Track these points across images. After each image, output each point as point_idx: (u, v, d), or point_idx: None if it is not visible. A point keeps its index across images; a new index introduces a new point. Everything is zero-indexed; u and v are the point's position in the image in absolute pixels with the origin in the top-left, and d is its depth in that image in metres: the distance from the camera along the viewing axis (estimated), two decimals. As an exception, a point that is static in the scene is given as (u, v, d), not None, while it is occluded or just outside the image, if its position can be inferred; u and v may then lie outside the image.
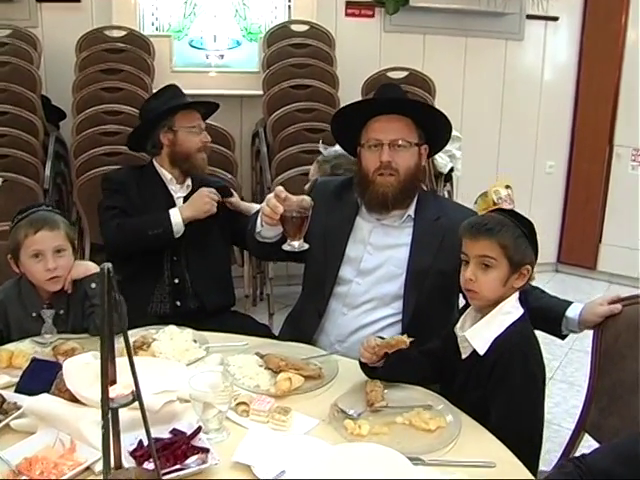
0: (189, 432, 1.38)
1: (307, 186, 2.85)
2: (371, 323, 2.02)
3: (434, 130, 2.07)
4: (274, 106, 4.15)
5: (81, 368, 1.46)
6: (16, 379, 1.63)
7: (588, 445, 1.86)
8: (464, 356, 1.68)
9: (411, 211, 2.07)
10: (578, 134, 5.26)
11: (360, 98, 4.13)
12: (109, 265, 1.00)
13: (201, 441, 1.36)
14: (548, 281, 5.19)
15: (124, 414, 1.15)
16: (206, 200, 2.50)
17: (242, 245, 2.77)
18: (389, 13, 4.69)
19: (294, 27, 4.50)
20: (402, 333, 1.94)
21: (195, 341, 1.90)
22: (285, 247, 1.84)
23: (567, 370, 3.68)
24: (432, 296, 1.98)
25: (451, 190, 4.44)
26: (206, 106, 2.79)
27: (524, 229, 1.65)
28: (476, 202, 2.26)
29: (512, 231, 1.63)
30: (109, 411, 1.04)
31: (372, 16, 4.74)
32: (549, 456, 2.33)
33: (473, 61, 4.97)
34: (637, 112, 4.80)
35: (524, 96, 5.12)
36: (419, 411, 1.55)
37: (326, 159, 2.77)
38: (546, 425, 1.77)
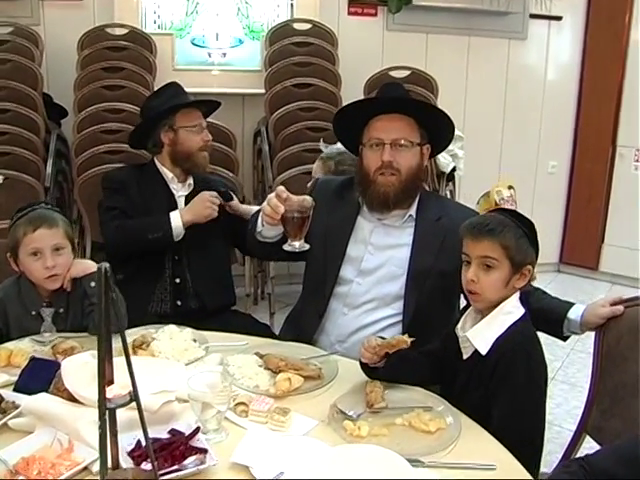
0: (187, 432, 1.38)
1: (310, 184, 2.85)
2: (372, 323, 2.01)
3: (436, 130, 2.06)
4: (276, 105, 4.15)
5: (80, 367, 1.46)
6: (15, 378, 1.62)
7: (589, 447, 1.85)
8: (465, 356, 1.67)
9: (412, 211, 2.06)
10: (581, 134, 5.25)
11: (362, 97, 4.12)
12: (106, 265, 0.99)
13: (199, 441, 1.36)
14: (550, 281, 5.18)
15: (122, 414, 1.14)
16: (207, 205, 2.47)
17: (242, 248, 2.73)
18: (392, 12, 4.68)
19: (296, 25, 4.50)
20: (403, 333, 1.94)
21: (195, 341, 1.89)
22: (286, 247, 1.83)
23: (569, 371, 3.67)
24: (433, 296, 1.98)
25: (453, 190, 4.43)
26: (207, 104, 2.77)
27: (525, 229, 1.64)
28: (478, 202, 2.26)
29: (514, 231, 1.62)
30: (106, 411, 1.03)
31: (375, 15, 4.73)
32: (550, 457, 2.32)
33: (476, 60, 4.96)
34: (640, 112, 4.80)
35: (527, 96, 5.12)
36: (419, 412, 1.54)
37: (330, 156, 2.76)
38: (547, 426, 1.76)
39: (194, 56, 4.52)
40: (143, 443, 1.30)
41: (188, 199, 2.58)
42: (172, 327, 1.94)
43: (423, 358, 1.75)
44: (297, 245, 1.81)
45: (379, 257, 2.04)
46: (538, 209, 4.86)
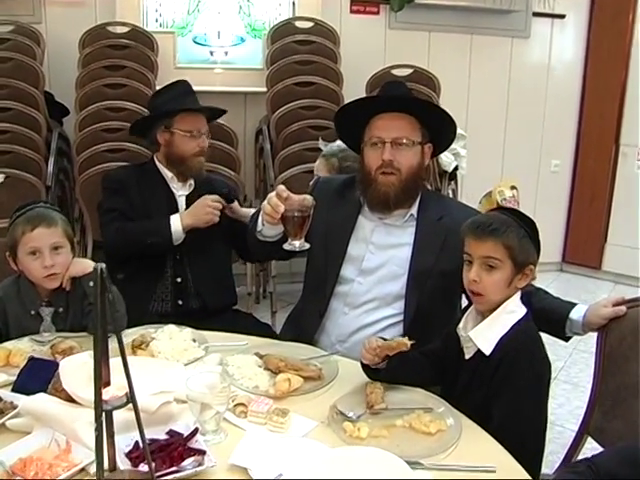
0: (186, 433, 1.37)
1: (312, 182, 2.84)
2: (372, 323, 2.00)
3: (438, 129, 2.04)
4: (278, 103, 4.14)
5: (78, 368, 1.44)
6: (13, 378, 1.62)
7: (591, 447, 1.84)
8: (467, 356, 1.66)
9: (414, 210, 2.05)
10: (584, 133, 5.24)
11: (364, 95, 4.11)
12: (102, 266, 0.98)
13: (198, 443, 1.35)
14: (553, 280, 5.17)
15: (120, 415, 1.13)
16: (207, 210, 2.44)
17: (241, 252, 2.69)
18: (394, 10, 4.67)
19: (298, 24, 4.49)
20: (404, 333, 1.95)
21: (194, 340, 1.88)
22: (286, 246, 1.82)
23: (571, 371, 3.65)
24: (434, 296, 1.96)
25: (455, 189, 4.42)
26: (212, 110, 2.73)
27: (527, 229, 1.63)
28: (480, 202, 2.25)
29: (516, 231, 1.61)
30: (102, 413, 1.02)
31: (377, 13, 4.72)
32: (552, 457, 2.31)
33: (479, 59, 4.95)
34: (644, 111, 4.78)
35: (530, 94, 5.10)
36: (419, 414, 1.53)
37: (332, 153, 2.75)
38: (549, 426, 1.75)
39: (196, 54, 4.52)
40: (141, 444, 1.29)
41: (189, 198, 2.56)
42: (171, 327, 1.93)
43: (424, 359, 1.74)
44: (297, 244, 1.80)
45: (380, 256, 2.03)
46: (541, 208, 4.85)
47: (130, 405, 1.06)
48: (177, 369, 1.61)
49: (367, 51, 4.64)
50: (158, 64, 4.21)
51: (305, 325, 2.09)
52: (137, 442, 1.32)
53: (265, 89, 4.26)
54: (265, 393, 1.61)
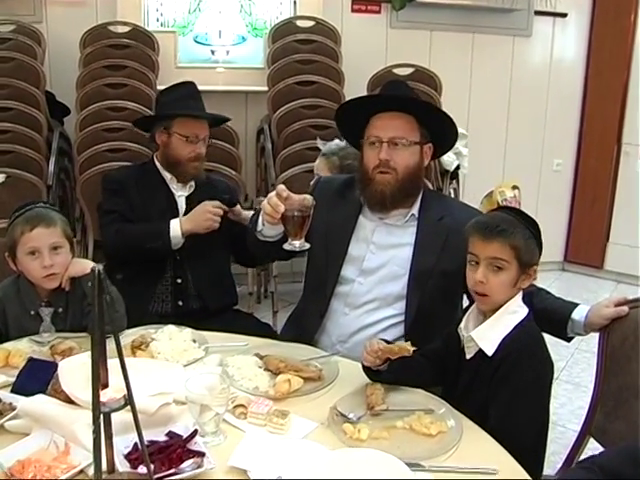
0: (185, 435, 1.36)
1: (313, 181, 2.83)
2: (373, 323, 1.99)
3: (438, 129, 2.03)
4: (279, 102, 4.13)
5: (77, 369, 1.43)
6: (13, 379, 1.61)
7: (593, 447, 1.84)
8: (468, 356, 1.66)
9: (415, 210, 2.04)
10: (586, 132, 5.22)
11: (367, 94, 4.10)
12: (99, 267, 0.97)
13: (197, 444, 1.34)
14: (554, 280, 5.16)
15: (120, 416, 1.13)
16: (207, 216, 2.42)
17: (239, 256, 2.68)
18: (395, 9, 4.66)
19: (299, 23, 4.48)
20: (405, 334, 1.94)
21: (194, 341, 1.88)
22: (286, 246, 1.81)
23: (573, 371, 3.65)
24: (435, 297, 1.96)
25: (457, 188, 4.41)
26: (214, 116, 2.71)
27: (532, 229, 1.63)
28: (482, 202, 2.24)
29: (522, 232, 1.60)
30: (100, 415, 1.01)
31: (378, 12, 4.71)
32: (554, 458, 2.30)
33: (480, 58, 4.94)
34: (646, 110, 4.77)
35: (531, 93, 5.09)
36: (420, 415, 1.52)
37: (333, 151, 2.75)
38: (551, 427, 1.74)
39: (197, 54, 4.51)
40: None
41: (189, 199, 2.56)
42: (171, 327, 1.92)
43: (425, 360, 1.73)
44: (297, 244, 1.79)
45: (381, 256, 2.02)
46: (543, 207, 4.84)
47: (129, 406, 1.05)
48: (176, 370, 1.60)
49: (368, 50, 4.62)
50: (159, 64, 4.20)
51: (306, 325, 2.08)
52: (136, 444, 1.31)
53: (266, 88, 4.25)
54: (265, 394, 1.61)
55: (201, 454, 1.31)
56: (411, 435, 1.47)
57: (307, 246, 1.83)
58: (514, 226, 1.60)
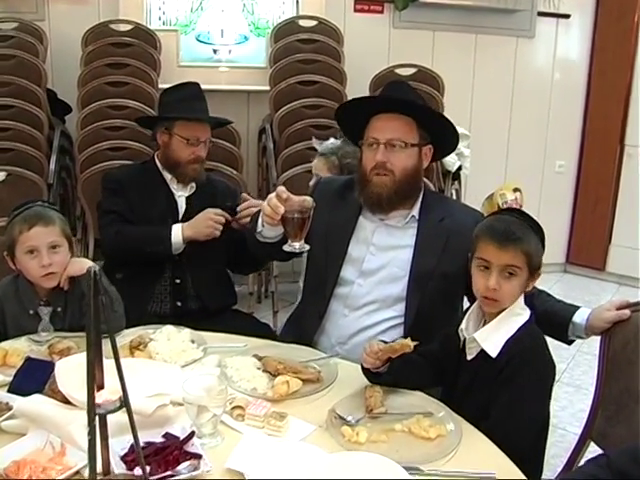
0: (182, 437, 1.35)
1: (312, 182, 2.81)
2: (373, 325, 1.98)
3: (438, 131, 2.02)
4: (281, 102, 4.12)
5: (73, 369, 1.43)
6: (10, 378, 1.61)
7: (594, 450, 1.83)
8: (469, 357, 1.65)
9: (415, 211, 2.03)
10: (589, 133, 5.21)
11: (368, 95, 4.10)
12: (96, 268, 0.97)
13: (194, 446, 1.33)
14: (556, 281, 5.15)
15: (116, 417, 1.12)
16: (209, 224, 2.41)
17: (233, 264, 2.64)
18: (398, 9, 4.66)
19: (302, 22, 4.47)
20: (405, 336, 1.92)
21: (193, 342, 1.87)
22: (286, 248, 1.81)
23: (574, 373, 3.63)
24: (435, 299, 1.94)
25: (459, 189, 4.40)
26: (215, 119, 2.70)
27: (538, 232, 1.63)
28: (483, 205, 2.23)
29: (534, 238, 1.61)
30: (95, 417, 1.01)
31: (381, 12, 4.71)
32: (554, 461, 2.30)
33: (483, 58, 4.93)
34: (649, 112, 4.75)
35: (534, 94, 5.08)
36: (419, 418, 1.52)
37: (332, 151, 2.74)
38: (552, 429, 1.74)
39: (199, 53, 4.51)
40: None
41: (189, 200, 2.54)
42: (170, 328, 1.91)
43: (424, 361, 1.72)
44: (297, 246, 1.78)
45: (381, 258, 2.01)
46: (545, 208, 4.83)
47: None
48: (174, 371, 1.59)
49: (371, 50, 4.62)
50: (161, 62, 4.20)
51: (305, 326, 2.07)
52: (133, 445, 1.30)
53: (268, 88, 4.24)
54: (263, 396, 1.60)
55: (198, 456, 1.30)
56: (410, 438, 1.47)
57: (307, 248, 1.82)
58: (526, 232, 1.60)
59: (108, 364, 1.07)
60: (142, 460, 1.06)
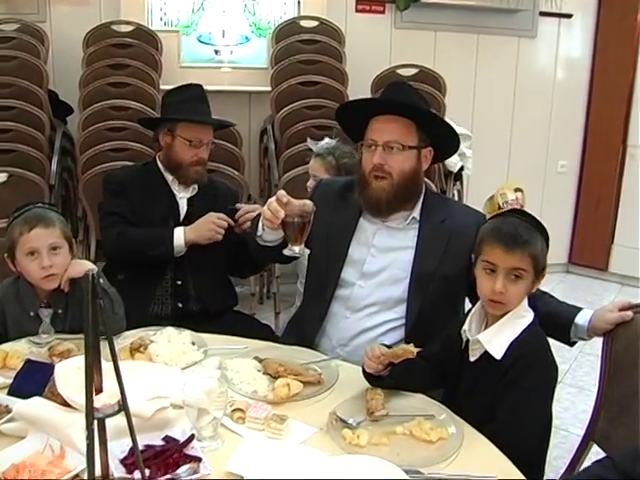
0: (182, 439, 1.35)
1: (309, 182, 2.81)
2: (374, 327, 1.97)
3: (437, 133, 2.01)
4: (282, 103, 4.12)
5: (73, 372, 1.42)
6: (10, 380, 1.60)
7: (596, 451, 1.82)
8: (473, 359, 1.64)
9: (416, 213, 2.02)
10: (591, 133, 5.20)
11: (369, 95, 4.10)
12: (94, 271, 0.96)
13: (194, 449, 1.33)
14: (559, 282, 5.13)
15: (116, 420, 1.11)
16: (211, 227, 2.40)
17: (233, 267, 2.63)
18: (400, 9, 4.65)
19: (303, 23, 4.47)
20: (406, 337, 1.92)
21: (193, 344, 1.87)
22: (286, 252, 1.80)
23: (577, 374, 3.62)
24: (436, 300, 1.94)
25: (461, 189, 4.39)
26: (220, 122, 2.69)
27: (544, 235, 1.62)
28: (485, 205, 2.21)
29: (539, 240, 1.60)
30: (94, 421, 1.00)
31: (383, 12, 4.70)
32: (557, 463, 2.29)
33: (485, 58, 4.92)
34: (652, 112, 4.74)
35: (536, 94, 5.07)
36: (420, 421, 1.51)
37: (328, 151, 2.74)
38: (554, 431, 1.74)
39: (200, 53, 4.51)
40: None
41: (191, 201, 2.54)
42: (170, 329, 1.91)
43: (426, 363, 1.71)
44: (297, 250, 1.78)
45: (382, 260, 2.00)
46: (547, 209, 4.81)
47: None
48: (174, 374, 1.59)
49: (372, 50, 4.61)
50: (162, 63, 4.20)
51: (306, 328, 2.06)
52: (132, 448, 1.30)
53: (270, 88, 4.24)
54: (264, 398, 1.59)
55: (198, 459, 1.30)
56: (411, 441, 1.46)
57: (307, 252, 1.82)
58: (533, 234, 1.59)
59: (107, 367, 1.07)
60: (141, 464, 1.05)
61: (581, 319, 1.81)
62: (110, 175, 2.69)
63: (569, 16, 4.98)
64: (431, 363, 1.72)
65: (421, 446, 1.44)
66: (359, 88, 4.19)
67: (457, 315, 1.95)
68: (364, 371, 1.65)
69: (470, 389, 1.64)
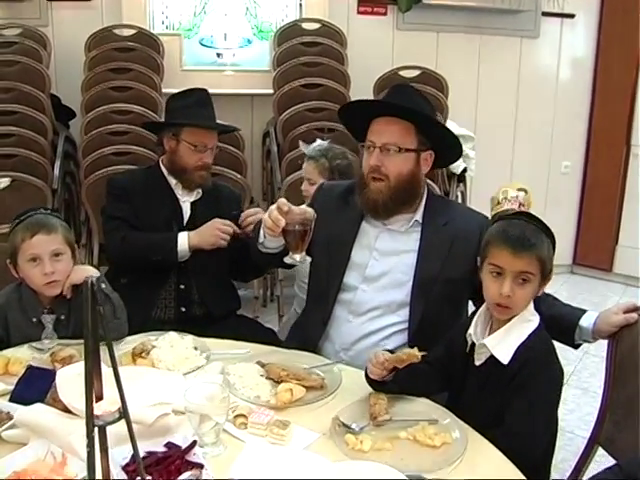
0: (184, 446, 1.34)
1: (303, 186, 2.81)
2: (377, 331, 1.96)
3: (438, 137, 1.99)
4: (285, 105, 4.12)
5: (74, 378, 1.41)
6: (11, 387, 1.60)
7: (602, 454, 1.81)
8: (478, 362, 1.63)
9: (418, 216, 2.01)
10: (594, 134, 5.18)
11: (372, 97, 4.09)
12: (93, 278, 0.96)
13: (196, 456, 1.32)
14: (563, 283, 5.12)
15: (117, 426, 1.10)
16: (215, 233, 2.40)
17: (235, 271, 2.62)
18: (402, 11, 4.64)
19: (305, 25, 4.47)
20: (409, 341, 1.91)
21: (196, 348, 1.86)
22: (287, 260, 1.80)
23: (582, 375, 3.61)
24: (440, 304, 1.93)
25: (464, 191, 4.38)
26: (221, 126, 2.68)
27: (550, 237, 1.62)
28: (492, 209, 2.22)
29: (546, 243, 1.59)
30: (94, 429, 0.99)
31: (385, 14, 4.70)
32: (563, 465, 2.28)
33: (487, 59, 4.91)
34: (655, 112, 4.73)
35: (539, 95, 5.06)
36: (424, 426, 1.50)
37: (321, 153, 2.73)
38: (560, 433, 1.73)
39: (202, 57, 4.52)
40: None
41: (194, 205, 2.53)
42: (173, 334, 1.90)
43: (430, 367, 1.70)
44: (298, 258, 1.78)
45: (384, 263, 1.99)
46: (551, 210, 4.80)
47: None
48: (176, 379, 1.58)
49: (374, 52, 4.61)
50: (164, 66, 4.21)
51: (309, 332, 2.06)
52: (134, 455, 1.29)
53: (272, 91, 4.24)
54: (266, 403, 1.59)
55: (200, 466, 1.29)
56: (415, 446, 1.45)
57: (308, 259, 1.82)
58: (540, 237, 1.58)
59: (109, 373, 1.06)
60: (142, 471, 1.05)
61: (586, 322, 1.80)
62: (113, 179, 2.68)
63: (572, 16, 4.96)
64: (435, 367, 1.71)
65: (425, 451, 1.43)
66: (361, 90, 4.18)
67: (460, 318, 1.94)
68: (367, 377, 1.64)
69: (475, 393, 1.63)
